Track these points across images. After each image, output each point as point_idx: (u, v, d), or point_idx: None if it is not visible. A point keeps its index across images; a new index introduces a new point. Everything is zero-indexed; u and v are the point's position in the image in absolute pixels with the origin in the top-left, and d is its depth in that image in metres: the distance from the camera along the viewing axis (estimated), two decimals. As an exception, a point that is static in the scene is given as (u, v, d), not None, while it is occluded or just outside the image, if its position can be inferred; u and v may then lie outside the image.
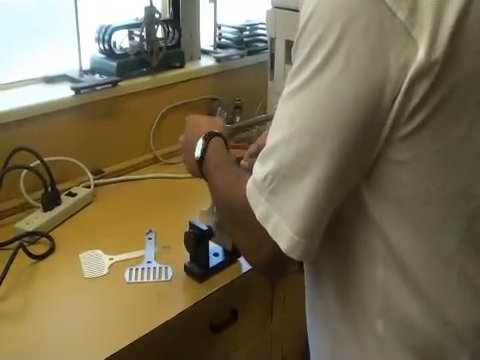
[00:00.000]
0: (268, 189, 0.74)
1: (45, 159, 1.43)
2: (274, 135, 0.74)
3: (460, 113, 0.70)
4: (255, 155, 1.19)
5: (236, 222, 0.84)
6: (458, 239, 0.75)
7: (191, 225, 1.22)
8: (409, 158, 0.71)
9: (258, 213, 0.75)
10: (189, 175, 1.63)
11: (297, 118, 0.71)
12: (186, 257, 1.24)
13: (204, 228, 1.21)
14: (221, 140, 1.04)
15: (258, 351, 1.49)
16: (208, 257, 1.24)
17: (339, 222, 0.78)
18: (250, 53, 2.03)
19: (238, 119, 1.88)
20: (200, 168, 1.03)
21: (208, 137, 1.03)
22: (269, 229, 0.74)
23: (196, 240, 1.20)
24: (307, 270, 0.92)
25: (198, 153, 1.02)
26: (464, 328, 0.79)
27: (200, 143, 1.03)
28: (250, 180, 0.78)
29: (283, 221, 0.73)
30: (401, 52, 0.65)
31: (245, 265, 1.27)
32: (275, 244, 0.74)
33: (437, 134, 0.70)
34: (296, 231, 0.72)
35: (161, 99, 1.80)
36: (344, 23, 0.66)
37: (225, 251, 1.28)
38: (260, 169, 0.76)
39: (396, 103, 0.67)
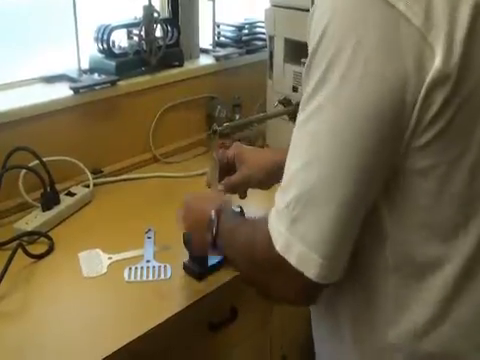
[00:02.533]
0: (290, 217, 0.72)
1: (44, 159, 1.43)
2: (293, 162, 0.73)
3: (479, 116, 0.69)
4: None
5: (260, 268, 0.81)
6: (476, 244, 0.75)
7: (190, 224, 1.22)
8: (428, 166, 0.70)
9: (279, 245, 0.74)
10: (189, 174, 1.66)
11: (316, 143, 0.70)
12: (185, 256, 1.24)
13: (203, 227, 1.21)
14: (227, 212, 1.01)
15: (258, 350, 1.49)
16: (207, 256, 1.24)
17: None
18: (249, 52, 2.03)
19: (237, 117, 1.88)
20: (214, 247, 0.98)
21: (216, 217, 0.98)
22: (293, 260, 0.72)
23: (195, 239, 1.20)
24: None
25: (210, 236, 0.98)
26: (478, 332, 0.78)
27: (210, 226, 0.98)
28: (272, 211, 0.76)
29: (307, 249, 0.71)
30: (418, 60, 0.64)
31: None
32: (301, 274, 0.72)
33: (456, 140, 0.69)
34: (324, 256, 0.71)
35: (160, 98, 1.80)
36: (359, 37, 0.66)
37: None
38: (282, 198, 0.74)
39: (415, 112, 0.66)
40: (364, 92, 0.66)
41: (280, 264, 0.73)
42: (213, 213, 0.98)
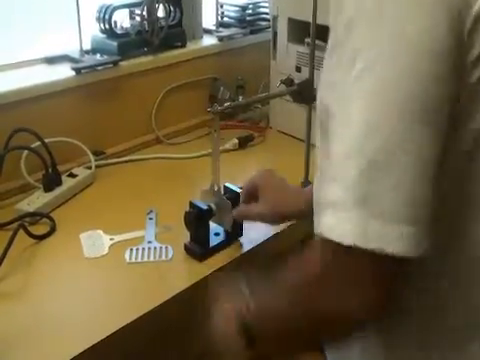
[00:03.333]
0: (356, 197, 0.64)
1: (46, 140, 1.43)
2: (347, 134, 0.65)
3: None
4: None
5: (322, 293, 0.72)
6: None
7: (191, 204, 1.22)
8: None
9: (352, 237, 0.64)
10: (191, 155, 1.66)
11: (375, 103, 0.64)
12: (186, 237, 1.24)
13: (204, 207, 1.21)
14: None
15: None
16: (209, 236, 1.24)
17: None
18: (253, 32, 2.01)
19: (240, 99, 1.87)
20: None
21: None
22: (372, 243, 0.64)
23: (196, 219, 1.20)
24: None
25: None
26: None
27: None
28: (328, 213, 0.67)
29: (385, 221, 0.64)
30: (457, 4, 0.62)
31: (246, 245, 1.28)
32: (379, 260, 0.65)
33: None
34: (406, 220, 0.64)
35: (163, 79, 1.79)
36: None
37: (226, 230, 1.28)
38: (336, 188, 0.66)
39: (465, 48, 0.64)
40: (416, 26, 0.63)
41: (348, 266, 0.67)
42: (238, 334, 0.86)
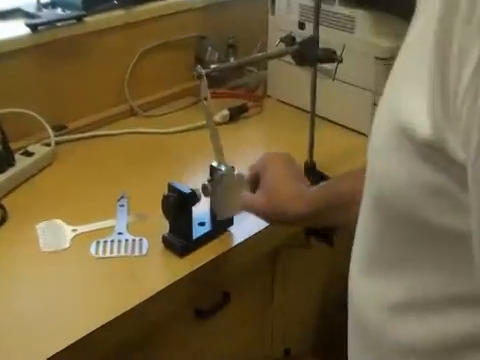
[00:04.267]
0: None
1: (-5, 111, 1.43)
2: None
3: None
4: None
5: None
6: None
7: (170, 187, 1.21)
8: None
9: None
10: (173, 129, 1.65)
11: None
12: (165, 228, 1.24)
13: (187, 191, 1.20)
14: None
15: (256, 341, 1.50)
16: (191, 227, 1.23)
17: None
18: (247, -19, 2.01)
19: (232, 60, 1.86)
20: None
21: None
22: None
23: (176, 205, 1.19)
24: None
25: None
26: None
27: None
28: None
29: None
30: None
31: (237, 237, 1.27)
32: None
33: None
34: None
35: (138, 38, 1.78)
36: None
37: (213, 220, 1.27)
38: None
39: None
40: None
41: None
42: None
